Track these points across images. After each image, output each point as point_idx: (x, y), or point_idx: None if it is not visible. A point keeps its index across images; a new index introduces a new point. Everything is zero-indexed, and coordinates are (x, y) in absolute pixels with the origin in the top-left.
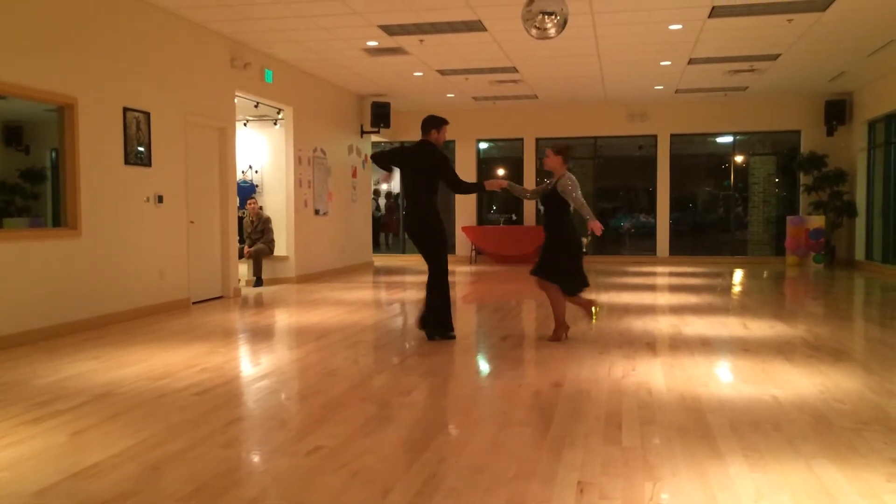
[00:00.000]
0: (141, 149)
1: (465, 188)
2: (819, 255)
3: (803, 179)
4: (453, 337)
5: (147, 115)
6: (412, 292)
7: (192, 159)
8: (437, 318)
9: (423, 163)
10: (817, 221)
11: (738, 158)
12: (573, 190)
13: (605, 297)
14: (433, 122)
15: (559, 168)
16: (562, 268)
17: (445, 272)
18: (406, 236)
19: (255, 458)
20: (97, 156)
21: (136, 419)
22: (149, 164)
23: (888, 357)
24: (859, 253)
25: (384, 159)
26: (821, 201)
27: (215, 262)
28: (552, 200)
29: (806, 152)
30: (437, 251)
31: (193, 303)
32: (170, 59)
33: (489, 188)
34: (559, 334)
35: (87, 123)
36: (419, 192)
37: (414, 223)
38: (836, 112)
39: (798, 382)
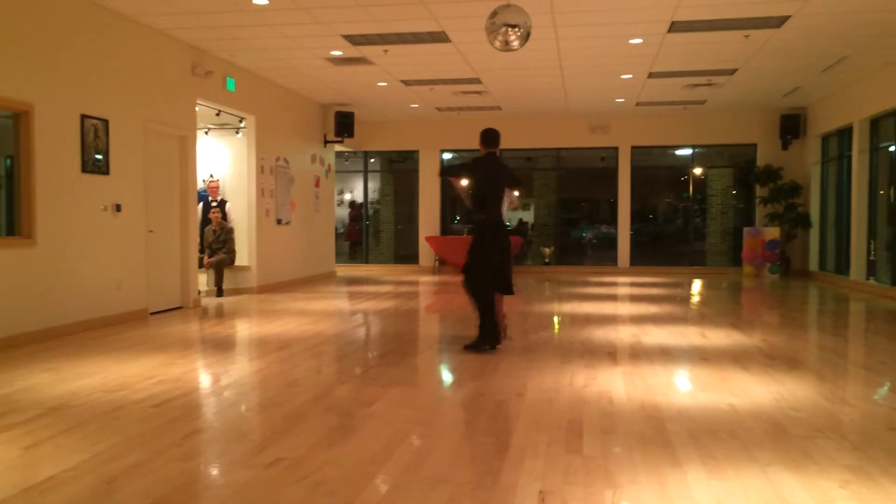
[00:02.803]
0: (99, 157)
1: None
2: (775, 266)
3: (759, 192)
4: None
5: (105, 122)
6: (374, 302)
7: (152, 168)
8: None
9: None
10: (773, 233)
11: (697, 171)
12: None
13: (567, 307)
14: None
15: None
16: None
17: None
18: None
19: (214, 471)
20: (54, 163)
21: (92, 432)
22: (107, 173)
23: (840, 366)
24: (813, 264)
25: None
26: (776, 213)
27: (174, 271)
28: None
29: (762, 165)
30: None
31: (151, 313)
32: (130, 66)
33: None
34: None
35: (43, 130)
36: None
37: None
38: (791, 126)
39: (754, 391)
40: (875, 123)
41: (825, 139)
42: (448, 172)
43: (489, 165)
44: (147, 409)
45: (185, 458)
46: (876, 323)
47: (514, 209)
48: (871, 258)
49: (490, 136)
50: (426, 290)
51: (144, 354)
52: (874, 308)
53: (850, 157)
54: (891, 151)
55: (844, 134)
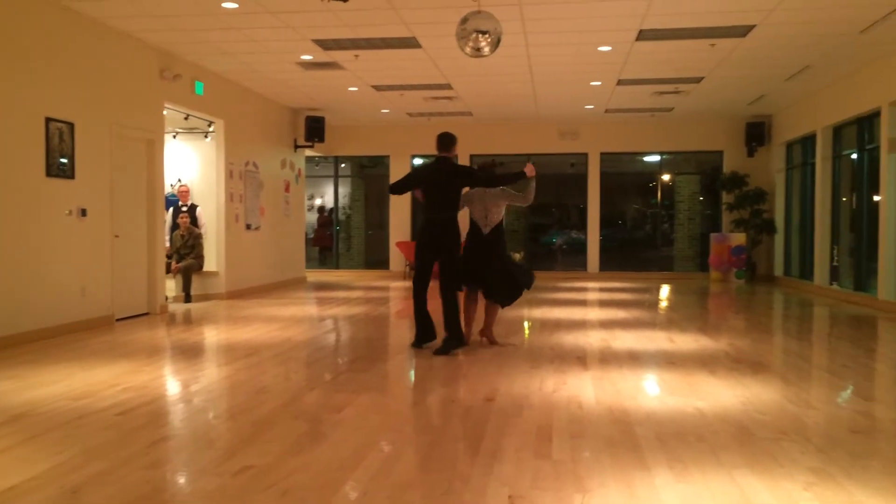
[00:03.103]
0: (64, 160)
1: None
2: (741, 271)
3: (725, 198)
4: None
5: (71, 125)
6: (344, 308)
7: (118, 172)
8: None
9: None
10: (739, 239)
11: (665, 177)
12: None
13: (537, 313)
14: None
15: None
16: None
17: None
18: (338, 251)
19: (181, 479)
20: (17, 167)
21: (55, 441)
22: (72, 177)
23: (805, 369)
24: (778, 269)
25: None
26: (742, 219)
27: (141, 277)
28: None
29: (728, 172)
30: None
31: (117, 320)
32: (96, 68)
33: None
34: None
35: (6, 133)
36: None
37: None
38: (756, 134)
39: (721, 394)
40: (837, 131)
41: (789, 147)
42: (393, 189)
43: (435, 169)
44: (112, 416)
45: (150, 467)
46: (839, 327)
47: (527, 205)
48: (835, 264)
49: (442, 141)
50: (396, 295)
51: (110, 361)
52: (837, 313)
53: (813, 165)
54: (852, 159)
55: (808, 141)
